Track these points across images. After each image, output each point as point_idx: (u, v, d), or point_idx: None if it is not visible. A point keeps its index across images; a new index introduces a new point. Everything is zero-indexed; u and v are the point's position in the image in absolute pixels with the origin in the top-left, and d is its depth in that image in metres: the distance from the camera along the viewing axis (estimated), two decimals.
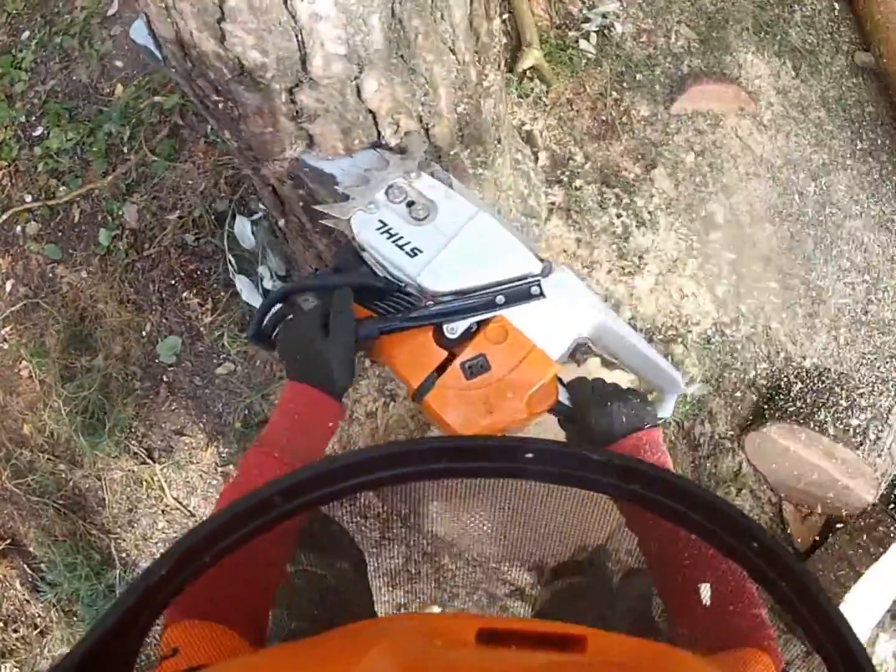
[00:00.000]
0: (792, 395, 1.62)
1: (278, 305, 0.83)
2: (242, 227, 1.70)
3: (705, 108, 1.96)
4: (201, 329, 1.75)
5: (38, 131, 1.93)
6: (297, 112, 0.84)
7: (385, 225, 0.81)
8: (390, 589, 1.14)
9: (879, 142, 1.99)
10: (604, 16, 1.95)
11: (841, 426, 1.55)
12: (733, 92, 1.98)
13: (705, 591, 0.58)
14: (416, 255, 0.79)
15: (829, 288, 1.83)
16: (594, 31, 1.92)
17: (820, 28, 2.08)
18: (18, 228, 1.94)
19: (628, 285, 1.68)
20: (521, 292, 0.78)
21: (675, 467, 1.54)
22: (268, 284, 1.67)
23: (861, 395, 1.61)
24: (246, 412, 1.72)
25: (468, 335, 0.79)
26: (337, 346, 0.77)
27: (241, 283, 1.71)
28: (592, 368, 1.50)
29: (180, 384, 1.78)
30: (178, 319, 1.77)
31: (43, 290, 1.90)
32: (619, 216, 1.74)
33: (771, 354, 1.73)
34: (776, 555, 0.38)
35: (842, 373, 1.74)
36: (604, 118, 1.87)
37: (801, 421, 1.55)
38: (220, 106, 0.87)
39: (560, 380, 0.83)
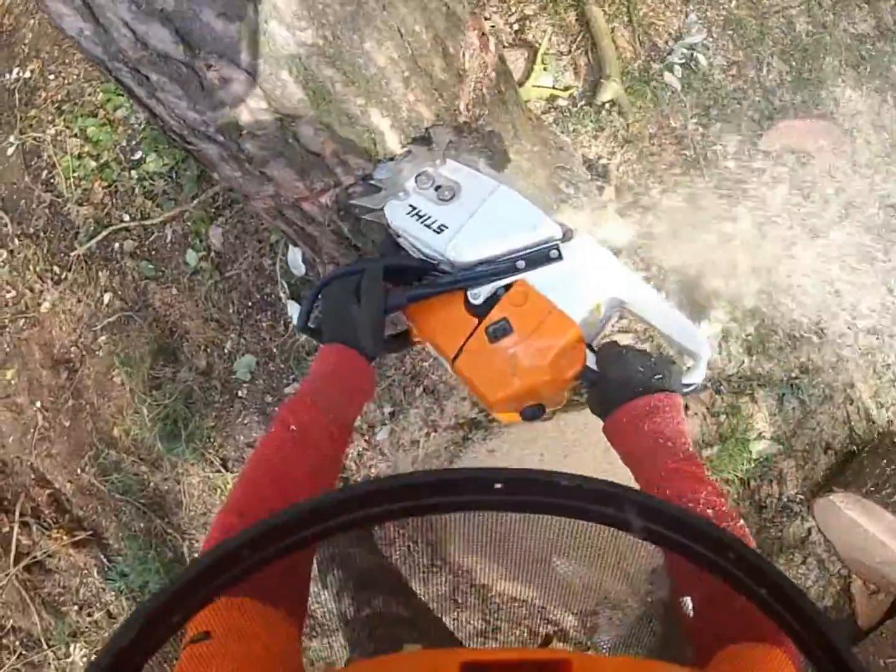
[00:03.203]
0: (864, 462, 1.53)
1: (321, 296, 0.89)
2: (294, 257, 1.76)
3: (796, 145, 1.87)
4: (274, 350, 1.83)
5: (137, 155, 2.06)
6: (249, 159, 0.87)
7: (414, 209, 0.88)
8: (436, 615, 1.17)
9: None
10: (690, 47, 1.89)
11: None
12: (827, 129, 1.88)
13: (687, 604, 0.57)
14: (442, 231, 0.85)
15: None
16: (679, 64, 1.86)
17: None
18: (116, 245, 2.08)
19: None
20: (541, 256, 0.82)
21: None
22: None
23: None
24: None
25: (494, 301, 0.83)
26: (366, 312, 0.83)
27: (292, 309, 1.78)
28: None
29: (254, 400, 1.88)
30: (254, 339, 1.86)
31: (137, 305, 2.04)
32: None
33: (852, 417, 1.64)
34: (751, 563, 0.37)
35: None
36: (687, 153, 1.82)
37: (868, 492, 1.45)
38: (197, 154, 0.91)
39: (590, 346, 0.85)
